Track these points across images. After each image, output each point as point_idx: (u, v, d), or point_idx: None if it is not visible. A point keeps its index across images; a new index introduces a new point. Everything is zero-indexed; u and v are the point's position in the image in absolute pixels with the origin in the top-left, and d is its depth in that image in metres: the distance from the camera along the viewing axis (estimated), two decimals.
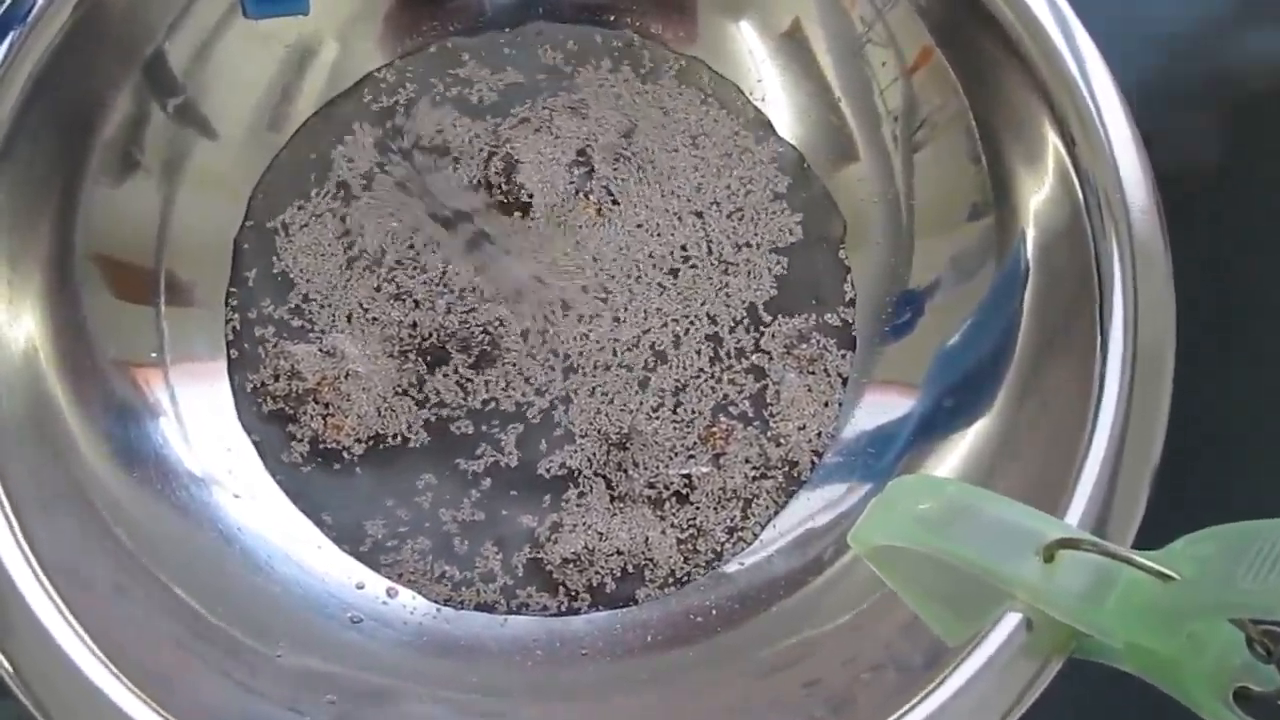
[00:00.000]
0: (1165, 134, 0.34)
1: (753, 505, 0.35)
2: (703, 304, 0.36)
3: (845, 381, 0.36)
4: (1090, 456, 0.29)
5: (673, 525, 0.35)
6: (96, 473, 0.32)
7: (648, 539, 0.34)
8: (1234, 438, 0.36)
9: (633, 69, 0.37)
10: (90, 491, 0.31)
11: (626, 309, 0.36)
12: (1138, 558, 0.21)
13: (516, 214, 0.36)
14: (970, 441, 0.33)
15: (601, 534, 0.34)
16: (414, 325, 0.35)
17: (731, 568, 0.35)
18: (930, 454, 0.34)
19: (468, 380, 0.35)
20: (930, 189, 0.36)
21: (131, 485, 0.32)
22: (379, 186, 0.36)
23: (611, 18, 0.38)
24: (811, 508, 0.35)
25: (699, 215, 0.36)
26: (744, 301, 0.36)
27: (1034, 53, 0.32)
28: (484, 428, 0.35)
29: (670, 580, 0.35)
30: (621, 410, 0.35)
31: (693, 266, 0.36)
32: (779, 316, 0.36)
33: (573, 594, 0.34)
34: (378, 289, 0.36)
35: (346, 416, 0.35)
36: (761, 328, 0.36)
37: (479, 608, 0.34)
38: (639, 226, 0.36)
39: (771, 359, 0.36)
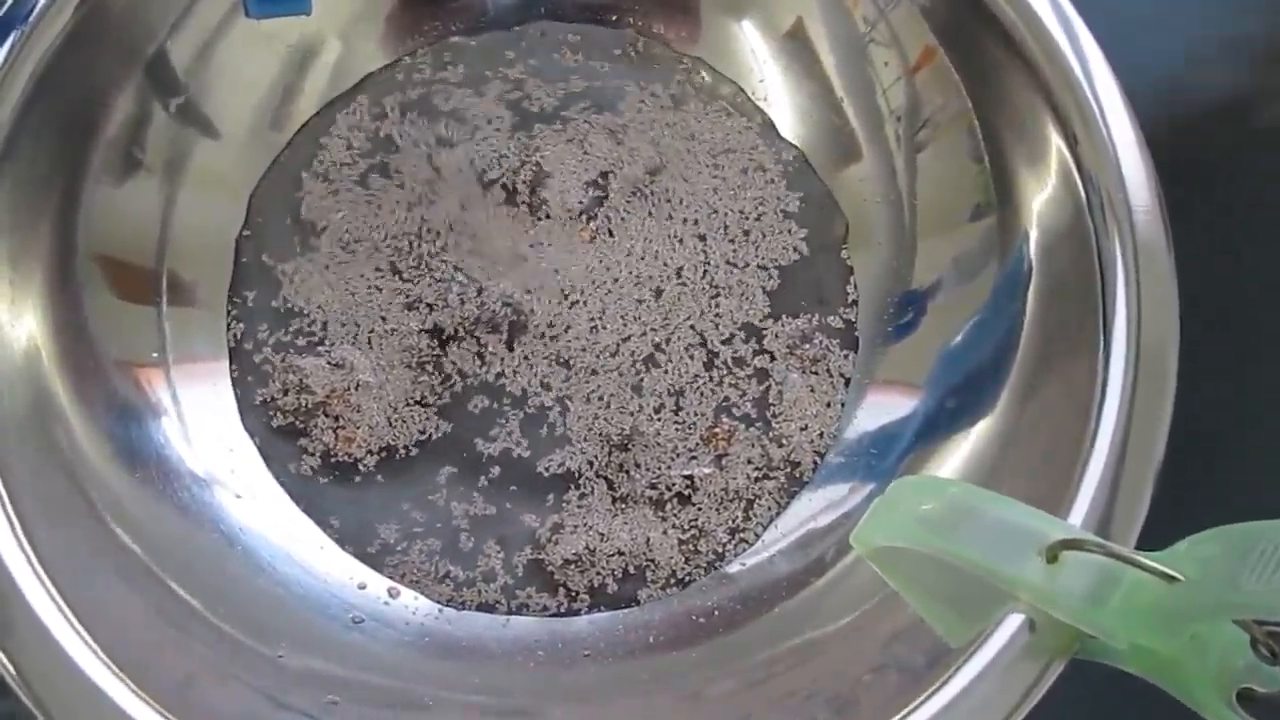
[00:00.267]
0: (1168, 133, 0.34)
1: (754, 506, 0.35)
2: (705, 305, 0.36)
3: (848, 382, 0.36)
4: (1093, 456, 0.29)
5: (674, 526, 0.35)
6: (98, 473, 0.32)
7: (649, 540, 0.34)
8: (1236, 437, 0.36)
9: (663, 87, 0.37)
10: (92, 491, 0.31)
11: (628, 308, 0.36)
12: (1141, 558, 0.21)
13: (528, 217, 0.36)
14: (973, 442, 0.33)
15: (603, 535, 0.34)
16: (420, 320, 0.35)
17: (733, 568, 0.35)
18: (933, 454, 0.34)
19: (475, 365, 0.35)
20: (933, 189, 0.36)
21: (133, 485, 0.32)
22: (380, 187, 0.36)
23: (614, 17, 0.38)
24: (814, 508, 0.35)
25: (701, 239, 0.36)
26: (746, 303, 0.36)
27: (1037, 52, 0.32)
28: (493, 415, 0.35)
29: (672, 581, 0.34)
30: (623, 411, 0.35)
31: (696, 268, 0.36)
32: (781, 317, 0.36)
33: (574, 594, 0.34)
34: (380, 291, 0.36)
35: (358, 428, 0.35)
36: (764, 329, 0.36)
37: (481, 608, 0.34)
38: (631, 252, 0.36)
39: (774, 359, 0.36)
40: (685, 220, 0.36)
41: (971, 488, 0.25)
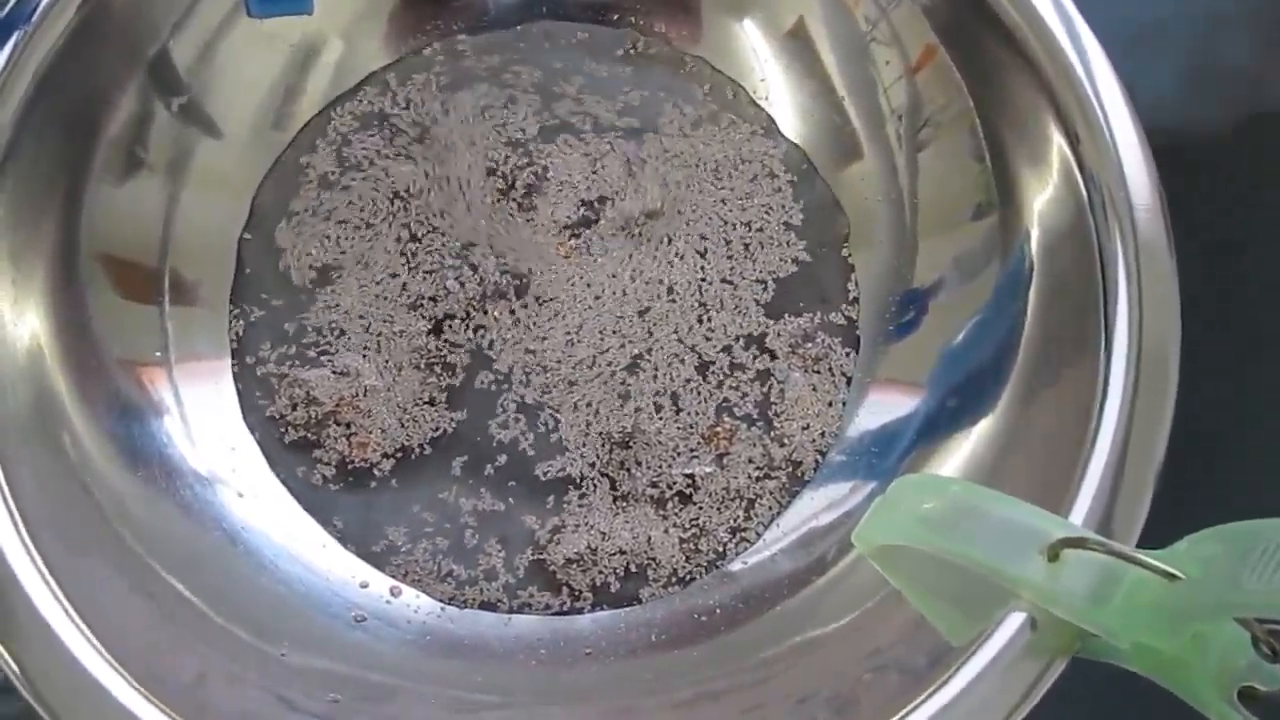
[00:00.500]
0: (1169, 133, 0.34)
1: (756, 505, 0.35)
2: (706, 304, 0.36)
3: (849, 381, 0.36)
4: (1094, 455, 0.29)
5: (675, 525, 0.35)
6: (101, 471, 0.32)
7: (650, 538, 0.34)
8: (1236, 437, 0.36)
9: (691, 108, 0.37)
10: (95, 490, 0.31)
11: (631, 307, 0.36)
12: (1143, 557, 0.21)
13: (516, 215, 0.36)
14: (974, 440, 0.33)
15: (604, 533, 0.34)
16: (426, 321, 0.35)
17: (735, 567, 0.35)
18: (934, 453, 0.34)
19: (480, 340, 0.35)
20: (934, 188, 0.36)
21: (136, 484, 0.32)
22: (381, 186, 0.36)
23: (616, 17, 0.38)
24: (815, 507, 0.35)
25: (702, 255, 0.36)
26: (748, 302, 0.36)
27: (1038, 51, 0.32)
28: (495, 399, 0.35)
29: (673, 579, 0.34)
30: (625, 410, 0.35)
31: (698, 269, 0.36)
32: (783, 316, 0.36)
33: (577, 594, 0.34)
34: (385, 296, 0.36)
35: (370, 433, 0.35)
36: (765, 328, 0.36)
37: (483, 607, 0.34)
38: (616, 274, 0.36)
39: (776, 358, 0.36)
40: (681, 241, 0.37)
41: (973, 486, 0.25)
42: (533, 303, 0.36)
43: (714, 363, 0.36)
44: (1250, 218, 0.38)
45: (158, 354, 0.34)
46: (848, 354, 0.36)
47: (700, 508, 0.35)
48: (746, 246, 0.36)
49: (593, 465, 0.35)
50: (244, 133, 0.36)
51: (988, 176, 0.34)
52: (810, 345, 0.36)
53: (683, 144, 0.37)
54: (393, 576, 0.34)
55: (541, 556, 0.34)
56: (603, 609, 0.34)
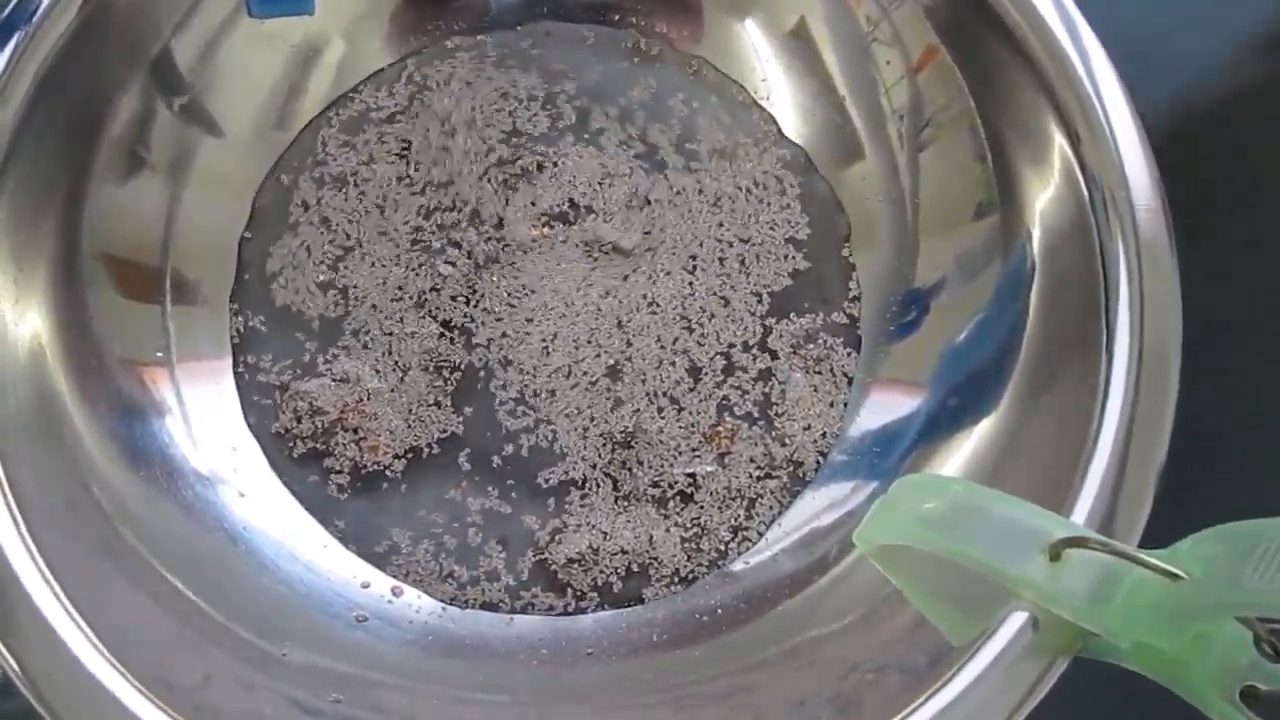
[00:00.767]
0: (1170, 132, 0.34)
1: (757, 505, 0.35)
2: (707, 304, 0.36)
3: (850, 381, 0.36)
4: (1096, 455, 0.29)
5: (676, 524, 0.35)
6: (102, 471, 0.32)
7: (652, 538, 0.34)
8: (1236, 437, 0.36)
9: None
10: (96, 490, 0.31)
11: (631, 305, 0.36)
12: (1145, 556, 0.21)
13: (502, 193, 0.36)
14: (976, 440, 0.33)
15: (605, 533, 0.34)
16: (432, 321, 0.35)
17: (737, 567, 0.35)
18: (935, 453, 0.34)
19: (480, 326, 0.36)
20: (935, 188, 0.36)
21: (137, 484, 0.32)
22: (383, 184, 0.36)
23: (617, 17, 0.38)
24: (817, 507, 0.35)
25: (691, 271, 0.37)
26: (749, 302, 0.36)
27: (1039, 51, 0.32)
28: (494, 394, 0.35)
29: (675, 579, 0.34)
30: (626, 409, 0.35)
31: (698, 271, 0.36)
32: (785, 316, 0.36)
33: (579, 594, 0.34)
34: (392, 297, 0.36)
35: (379, 435, 0.35)
36: (768, 327, 0.36)
37: (484, 607, 0.34)
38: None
39: (778, 358, 0.36)
40: (666, 259, 0.37)
41: (974, 486, 0.25)
42: (512, 294, 0.36)
43: (716, 363, 0.36)
44: (1251, 218, 0.38)
45: (159, 354, 0.34)
46: (849, 354, 0.36)
47: (702, 507, 0.35)
48: (742, 261, 0.36)
49: (594, 466, 0.35)
50: (245, 133, 0.36)
51: (989, 176, 0.34)
52: (812, 345, 0.36)
53: (687, 179, 0.37)
54: (394, 577, 0.34)
55: (543, 557, 0.34)
56: (605, 609, 0.34)
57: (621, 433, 0.35)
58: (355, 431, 0.35)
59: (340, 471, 0.35)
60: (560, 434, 0.35)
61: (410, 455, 0.35)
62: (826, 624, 0.32)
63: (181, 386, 0.34)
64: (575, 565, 0.34)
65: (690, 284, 0.36)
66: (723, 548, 0.35)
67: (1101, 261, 0.31)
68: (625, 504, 0.35)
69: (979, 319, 0.34)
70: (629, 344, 0.36)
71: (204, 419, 0.34)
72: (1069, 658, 0.26)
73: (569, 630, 0.34)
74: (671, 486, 0.35)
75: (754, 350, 0.36)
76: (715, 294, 0.36)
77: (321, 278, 0.36)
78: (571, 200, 0.36)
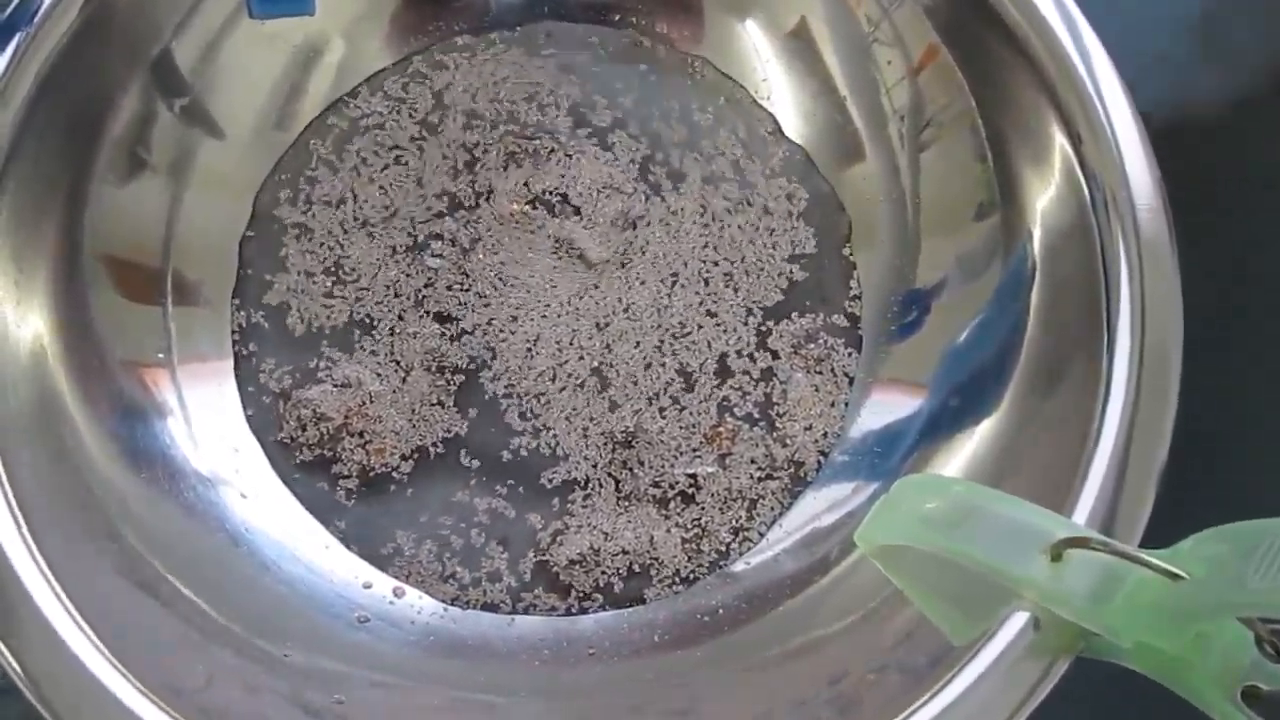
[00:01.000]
0: (1171, 132, 0.34)
1: (758, 505, 0.35)
2: (709, 303, 0.36)
3: (851, 381, 0.36)
4: (1097, 455, 0.29)
5: (677, 525, 0.35)
6: (104, 472, 0.32)
7: (653, 538, 0.34)
8: (1236, 437, 0.36)
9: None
10: (97, 491, 0.31)
11: (633, 304, 0.36)
12: (1146, 556, 0.21)
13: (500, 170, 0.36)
14: (977, 440, 0.33)
15: (607, 534, 0.34)
16: (432, 319, 0.35)
17: (738, 567, 0.35)
18: (937, 453, 0.34)
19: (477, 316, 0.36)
20: (936, 188, 0.36)
21: (139, 485, 0.32)
22: (384, 183, 0.36)
23: (617, 17, 0.38)
24: (818, 507, 0.35)
25: (671, 286, 0.37)
26: (751, 301, 0.36)
27: (1040, 51, 0.32)
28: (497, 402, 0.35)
29: (676, 580, 0.34)
30: (627, 409, 0.35)
31: (718, 262, 0.36)
32: (786, 317, 0.36)
33: (581, 594, 0.34)
34: (393, 297, 0.36)
35: (385, 438, 0.35)
36: (769, 328, 0.36)
37: (486, 608, 0.34)
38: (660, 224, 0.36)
39: (779, 359, 0.36)
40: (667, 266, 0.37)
41: (975, 486, 0.25)
42: (497, 275, 0.36)
43: (730, 343, 0.36)
44: (1251, 218, 0.38)
45: (160, 355, 0.34)
46: (850, 354, 0.36)
47: (703, 508, 0.35)
48: (730, 277, 0.36)
49: (596, 466, 0.35)
50: (246, 133, 0.36)
51: (990, 176, 0.34)
52: (813, 346, 0.36)
53: (686, 202, 0.37)
54: (395, 578, 0.34)
55: (545, 557, 0.34)
56: (606, 609, 0.34)
57: (622, 432, 0.35)
58: (361, 435, 0.35)
59: (349, 476, 0.35)
60: (560, 435, 0.35)
61: (416, 455, 0.35)
62: (828, 624, 0.32)
63: (183, 388, 0.34)
64: (577, 566, 0.34)
65: (669, 296, 0.36)
66: (724, 548, 0.35)
67: (1102, 261, 0.31)
68: (626, 504, 0.35)
69: (980, 319, 0.34)
70: (609, 349, 0.36)
71: (205, 420, 0.34)
72: (1070, 658, 0.26)
73: (570, 631, 0.34)
74: (672, 487, 0.35)
75: (754, 350, 0.36)
76: (698, 308, 0.36)
77: (320, 280, 0.36)
78: (564, 194, 0.36)
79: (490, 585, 0.34)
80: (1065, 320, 0.32)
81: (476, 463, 0.35)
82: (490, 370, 0.36)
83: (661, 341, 0.36)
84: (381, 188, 0.36)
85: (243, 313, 0.36)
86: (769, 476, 0.35)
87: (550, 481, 0.35)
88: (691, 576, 0.35)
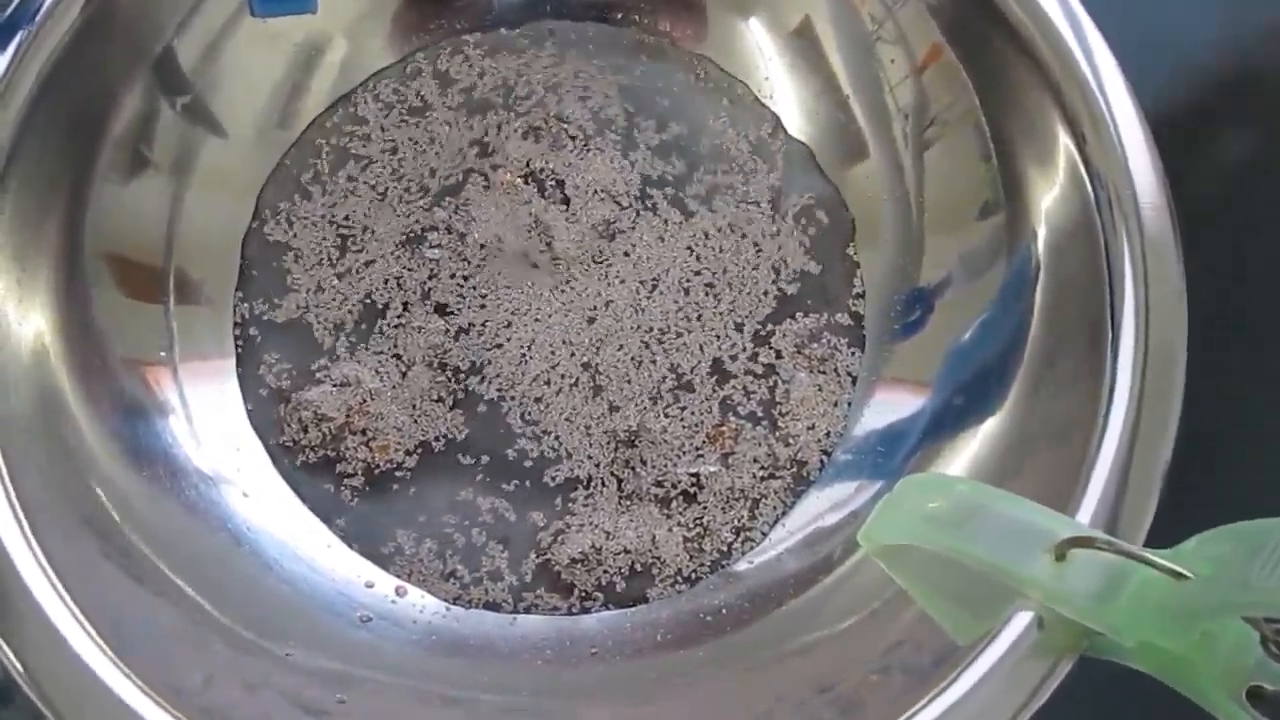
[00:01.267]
0: (1175, 131, 0.33)
1: (760, 505, 0.35)
2: (711, 303, 0.36)
3: (855, 380, 0.36)
4: (1101, 454, 0.29)
5: (680, 524, 0.35)
6: (106, 471, 0.32)
7: (655, 538, 0.34)
8: (1237, 437, 0.36)
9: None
10: (99, 489, 0.31)
11: (633, 303, 0.36)
12: (1151, 556, 0.21)
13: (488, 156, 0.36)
14: (981, 439, 0.33)
15: (609, 533, 0.34)
16: (437, 317, 0.35)
17: (741, 566, 0.35)
18: (940, 452, 0.34)
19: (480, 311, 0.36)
20: (940, 187, 0.36)
21: (141, 483, 0.32)
22: (385, 182, 0.36)
23: (620, 15, 0.38)
24: (821, 507, 0.35)
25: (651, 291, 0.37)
26: (753, 301, 0.36)
27: (1045, 50, 0.32)
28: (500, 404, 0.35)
29: (679, 579, 0.34)
30: (630, 408, 0.35)
31: (700, 272, 0.36)
32: (789, 316, 0.36)
33: (583, 594, 0.34)
34: (393, 294, 0.36)
35: (388, 435, 0.35)
36: (772, 327, 0.36)
37: (488, 607, 0.34)
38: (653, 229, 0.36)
39: (781, 358, 0.36)
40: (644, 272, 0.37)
41: (979, 485, 0.25)
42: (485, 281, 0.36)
43: (732, 342, 0.36)
44: (1252, 218, 0.38)
45: (162, 353, 0.34)
46: (853, 353, 0.36)
47: (705, 507, 0.35)
48: (711, 285, 0.36)
49: (598, 465, 0.35)
50: (248, 132, 0.36)
51: (994, 175, 0.34)
52: (816, 345, 0.36)
53: (679, 216, 0.37)
54: (398, 577, 0.34)
55: (547, 557, 0.34)
56: (608, 609, 0.34)
57: (625, 432, 0.35)
58: (363, 433, 0.35)
59: (354, 474, 0.35)
60: (562, 435, 0.35)
61: (420, 450, 0.35)
62: (830, 624, 0.32)
63: (185, 386, 0.34)
64: (578, 565, 0.34)
65: (649, 298, 0.36)
66: (726, 548, 0.35)
67: (1106, 260, 0.31)
68: (629, 503, 0.35)
69: (984, 318, 0.34)
70: (598, 349, 0.36)
71: (207, 419, 0.34)
72: (1074, 657, 0.26)
73: (573, 630, 0.34)
74: (675, 486, 0.35)
75: (757, 350, 0.36)
76: (697, 308, 0.36)
77: (322, 277, 0.36)
78: (561, 181, 0.36)
79: (492, 584, 0.34)
80: (1069, 319, 0.32)
81: (478, 461, 0.35)
82: (492, 368, 0.36)
83: (661, 338, 0.36)
84: (382, 187, 0.36)
85: (244, 311, 0.36)
86: (772, 476, 0.35)
87: (552, 480, 0.35)
88: (694, 576, 0.35)
